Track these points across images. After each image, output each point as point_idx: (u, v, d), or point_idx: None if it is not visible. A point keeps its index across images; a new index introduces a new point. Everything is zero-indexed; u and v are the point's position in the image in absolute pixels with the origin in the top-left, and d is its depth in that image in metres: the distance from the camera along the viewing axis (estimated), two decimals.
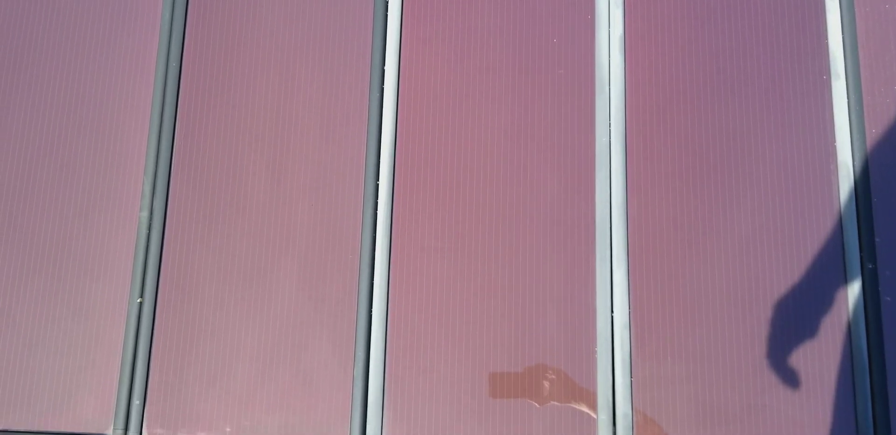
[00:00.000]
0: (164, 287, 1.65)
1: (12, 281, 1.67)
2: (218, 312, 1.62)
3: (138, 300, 1.64)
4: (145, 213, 1.68)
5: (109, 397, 1.61)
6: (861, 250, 1.56)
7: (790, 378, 1.51)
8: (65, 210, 1.69)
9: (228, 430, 1.57)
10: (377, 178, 1.66)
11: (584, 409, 1.51)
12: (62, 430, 1.60)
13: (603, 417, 1.52)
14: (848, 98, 1.64)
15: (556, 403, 1.51)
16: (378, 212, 1.65)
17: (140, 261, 1.66)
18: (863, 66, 1.66)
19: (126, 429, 1.59)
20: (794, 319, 1.54)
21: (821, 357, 1.52)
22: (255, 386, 1.58)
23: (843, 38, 1.67)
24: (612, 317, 1.57)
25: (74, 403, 1.61)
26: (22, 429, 1.61)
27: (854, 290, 1.54)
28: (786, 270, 1.56)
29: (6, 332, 1.65)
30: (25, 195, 1.71)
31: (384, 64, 1.72)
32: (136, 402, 1.59)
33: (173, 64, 1.75)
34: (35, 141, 1.73)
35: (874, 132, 1.62)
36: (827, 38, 1.67)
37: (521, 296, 1.58)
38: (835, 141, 1.62)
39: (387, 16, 1.74)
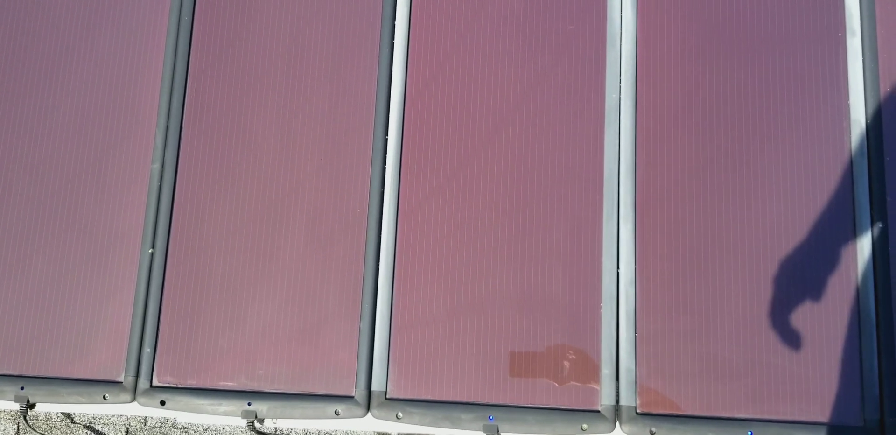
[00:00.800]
0: (174, 238, 1.67)
1: (28, 232, 1.70)
2: (227, 263, 1.64)
3: (150, 251, 1.66)
4: (157, 166, 1.70)
5: (122, 346, 1.64)
6: (872, 209, 1.55)
7: (796, 335, 1.51)
8: (79, 162, 1.72)
9: (237, 380, 1.59)
10: (386, 134, 1.67)
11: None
12: (76, 376, 1.64)
13: (606, 371, 1.53)
14: (863, 55, 1.62)
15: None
16: (386, 168, 1.65)
17: (151, 212, 1.68)
18: (879, 22, 1.63)
19: (137, 376, 1.62)
20: (802, 276, 1.53)
21: (828, 315, 1.51)
22: (262, 338, 1.61)
23: None
24: (617, 272, 1.57)
25: (88, 351, 1.65)
26: (38, 375, 1.64)
27: (863, 248, 1.53)
28: (795, 228, 1.55)
29: (23, 281, 1.68)
30: (39, 146, 1.73)
31: (394, 19, 1.72)
32: (147, 350, 1.62)
33: (185, 18, 1.76)
34: (50, 94, 1.75)
35: (889, 90, 1.60)
36: None
37: (528, 251, 1.59)
38: (848, 99, 1.60)
39: None
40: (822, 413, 1.48)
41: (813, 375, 1.49)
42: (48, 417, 1.71)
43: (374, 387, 1.56)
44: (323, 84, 1.70)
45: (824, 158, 1.58)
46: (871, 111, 1.59)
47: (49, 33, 1.78)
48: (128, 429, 1.70)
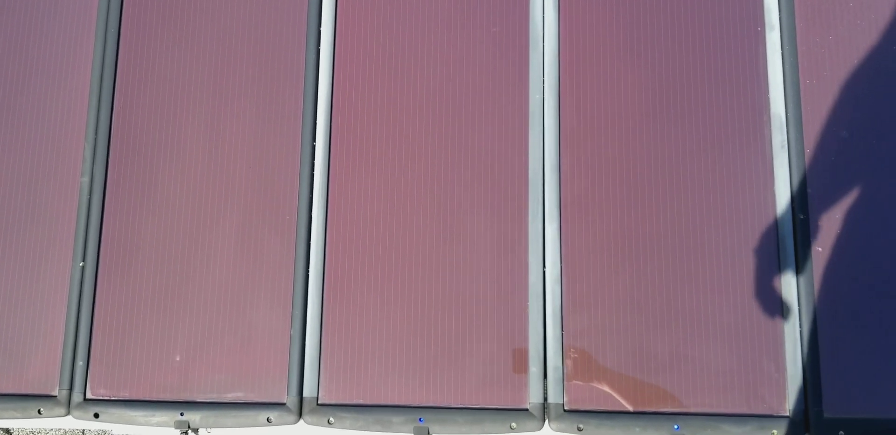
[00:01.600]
0: (105, 251, 1.67)
1: None
2: (158, 274, 1.65)
3: (80, 264, 1.66)
4: (86, 179, 1.70)
5: (55, 360, 1.64)
6: (793, 201, 1.56)
7: (720, 328, 1.52)
8: (10, 177, 1.72)
9: (169, 390, 1.59)
10: (313, 140, 1.67)
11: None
12: (11, 391, 1.64)
13: (534, 369, 1.54)
14: (782, 49, 1.63)
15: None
16: (315, 174, 1.66)
17: (82, 225, 1.69)
18: (798, 16, 1.65)
19: (71, 389, 1.62)
20: (725, 270, 1.54)
21: (751, 307, 1.52)
22: (194, 347, 1.61)
23: None
24: (543, 271, 1.57)
25: (23, 366, 1.65)
26: None
27: (785, 240, 1.54)
28: (717, 222, 1.56)
29: None
30: None
31: (320, 26, 1.73)
32: (80, 363, 1.62)
33: (112, 30, 1.77)
34: None
35: (808, 83, 1.61)
36: None
37: (456, 252, 1.60)
38: (768, 93, 1.62)
39: None
40: (748, 405, 1.49)
41: (738, 368, 1.50)
42: None
43: (305, 393, 1.57)
44: (250, 91, 1.70)
45: (745, 152, 1.59)
46: (791, 104, 1.60)
47: None
48: None
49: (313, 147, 1.67)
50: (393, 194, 1.63)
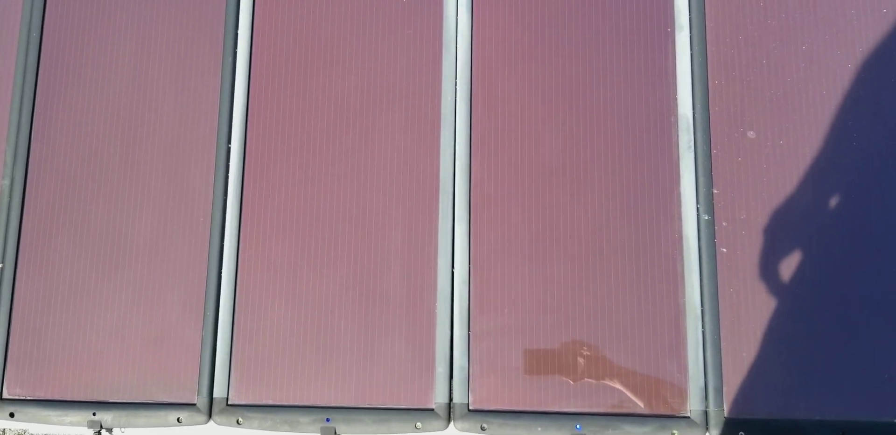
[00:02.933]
0: (23, 253, 1.69)
1: None
2: (74, 276, 1.66)
3: None
4: (7, 182, 1.72)
5: None
6: (698, 202, 1.57)
7: (624, 328, 1.53)
8: None
9: (82, 390, 1.61)
10: (229, 142, 1.69)
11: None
12: None
13: (440, 369, 1.55)
14: (691, 50, 1.64)
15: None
16: (229, 177, 1.67)
17: (1, 227, 1.70)
18: (708, 16, 1.65)
19: None
20: (630, 270, 1.56)
21: (654, 307, 1.54)
22: (108, 347, 1.63)
23: None
24: (452, 272, 1.59)
25: None
26: None
27: (690, 241, 1.56)
28: (623, 223, 1.57)
29: None
30: None
31: (237, 28, 1.74)
32: None
33: (34, 35, 1.78)
34: None
35: (717, 83, 1.62)
36: None
37: (367, 252, 1.61)
38: (676, 94, 1.62)
39: None
40: (649, 405, 1.50)
41: (640, 368, 1.52)
42: None
43: (216, 394, 1.58)
44: (167, 93, 1.72)
45: (652, 153, 1.60)
46: (699, 105, 1.61)
47: None
48: None
49: (228, 149, 1.68)
50: (305, 197, 1.64)
